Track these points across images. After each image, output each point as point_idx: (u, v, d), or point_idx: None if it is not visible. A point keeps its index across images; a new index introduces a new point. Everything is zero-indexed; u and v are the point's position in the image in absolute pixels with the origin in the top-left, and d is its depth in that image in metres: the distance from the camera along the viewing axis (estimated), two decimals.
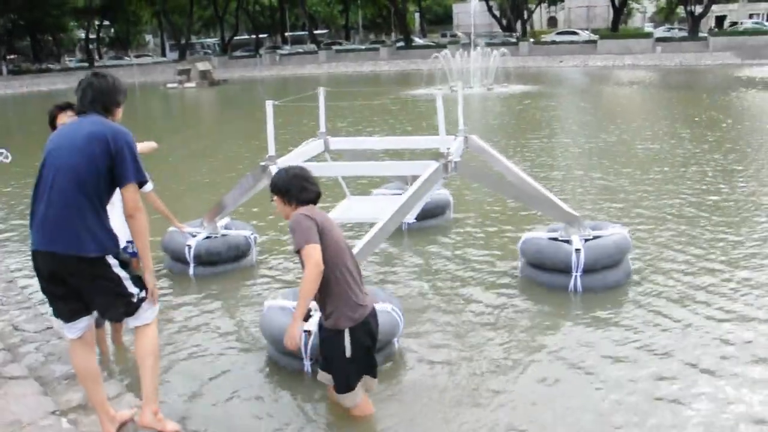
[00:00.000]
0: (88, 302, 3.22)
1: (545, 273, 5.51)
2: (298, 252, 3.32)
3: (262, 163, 5.42)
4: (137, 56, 61.83)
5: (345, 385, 3.53)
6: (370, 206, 6.32)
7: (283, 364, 4.27)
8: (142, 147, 4.70)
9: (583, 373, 4.12)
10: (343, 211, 6.14)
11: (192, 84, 38.01)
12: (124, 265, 3.19)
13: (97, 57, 64.24)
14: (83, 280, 3.12)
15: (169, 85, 38.26)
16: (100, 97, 3.24)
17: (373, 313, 3.52)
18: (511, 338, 4.64)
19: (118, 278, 3.16)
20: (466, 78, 26.08)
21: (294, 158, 5.84)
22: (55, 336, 4.59)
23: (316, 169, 6.50)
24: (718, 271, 5.71)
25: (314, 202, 3.54)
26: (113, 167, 3.10)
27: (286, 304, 4.30)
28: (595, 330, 4.72)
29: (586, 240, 5.56)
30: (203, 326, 5.03)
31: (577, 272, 5.31)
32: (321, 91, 6.68)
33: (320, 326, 3.61)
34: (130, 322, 3.33)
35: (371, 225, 4.85)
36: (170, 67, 49.52)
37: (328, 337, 3.47)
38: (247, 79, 45.86)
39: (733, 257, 6.05)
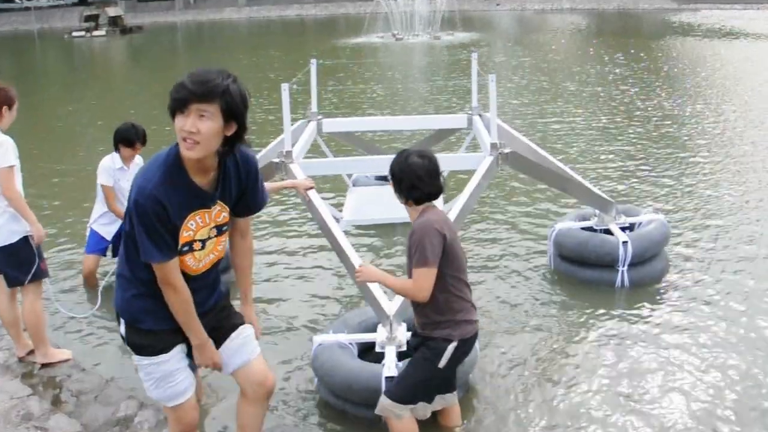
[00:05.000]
0: None
1: (586, 268, 5.20)
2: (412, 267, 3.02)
3: (277, 160, 4.81)
4: None
5: (409, 395, 3.15)
6: (384, 200, 5.81)
7: (338, 407, 3.67)
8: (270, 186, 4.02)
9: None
10: (358, 209, 5.57)
11: (101, 32, 35.52)
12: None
13: None
14: None
15: (75, 34, 35.63)
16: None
17: (476, 334, 3.24)
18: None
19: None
20: (410, 24, 25.41)
21: (298, 150, 5.24)
22: (76, 368, 4.02)
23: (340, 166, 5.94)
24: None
25: (428, 199, 3.11)
26: None
27: (342, 339, 3.78)
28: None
29: (624, 228, 5.32)
30: None
31: (624, 266, 5.07)
32: (313, 64, 6.05)
33: (421, 335, 3.20)
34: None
35: None
36: (72, 12, 46.16)
37: (431, 346, 3.11)
38: (161, 26, 43.43)
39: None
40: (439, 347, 3.08)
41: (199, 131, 2.37)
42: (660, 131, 10.18)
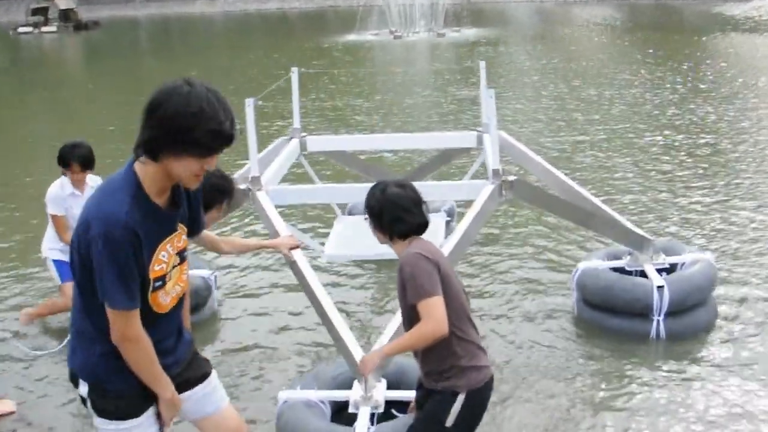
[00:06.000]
0: None
1: (615, 316, 5.09)
2: (412, 306, 2.96)
3: (243, 187, 4.75)
4: None
5: None
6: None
7: None
8: None
9: None
10: (343, 242, 5.53)
11: (51, 28, 35.76)
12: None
13: None
14: None
15: (21, 30, 35.92)
16: None
17: (492, 382, 3.15)
18: None
19: None
20: (410, 19, 25.53)
21: (271, 174, 5.18)
22: (21, 422, 4.13)
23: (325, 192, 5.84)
24: None
25: (416, 233, 3.14)
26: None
27: (310, 396, 3.70)
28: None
29: (661, 270, 5.21)
30: None
31: (659, 316, 4.96)
32: (294, 72, 6.05)
33: (426, 387, 3.18)
34: None
35: None
36: (17, 5, 46.42)
37: (436, 399, 3.08)
38: (120, 21, 43.67)
39: None
40: (444, 401, 3.03)
41: (210, 164, 2.52)
42: (702, 147, 10.13)
